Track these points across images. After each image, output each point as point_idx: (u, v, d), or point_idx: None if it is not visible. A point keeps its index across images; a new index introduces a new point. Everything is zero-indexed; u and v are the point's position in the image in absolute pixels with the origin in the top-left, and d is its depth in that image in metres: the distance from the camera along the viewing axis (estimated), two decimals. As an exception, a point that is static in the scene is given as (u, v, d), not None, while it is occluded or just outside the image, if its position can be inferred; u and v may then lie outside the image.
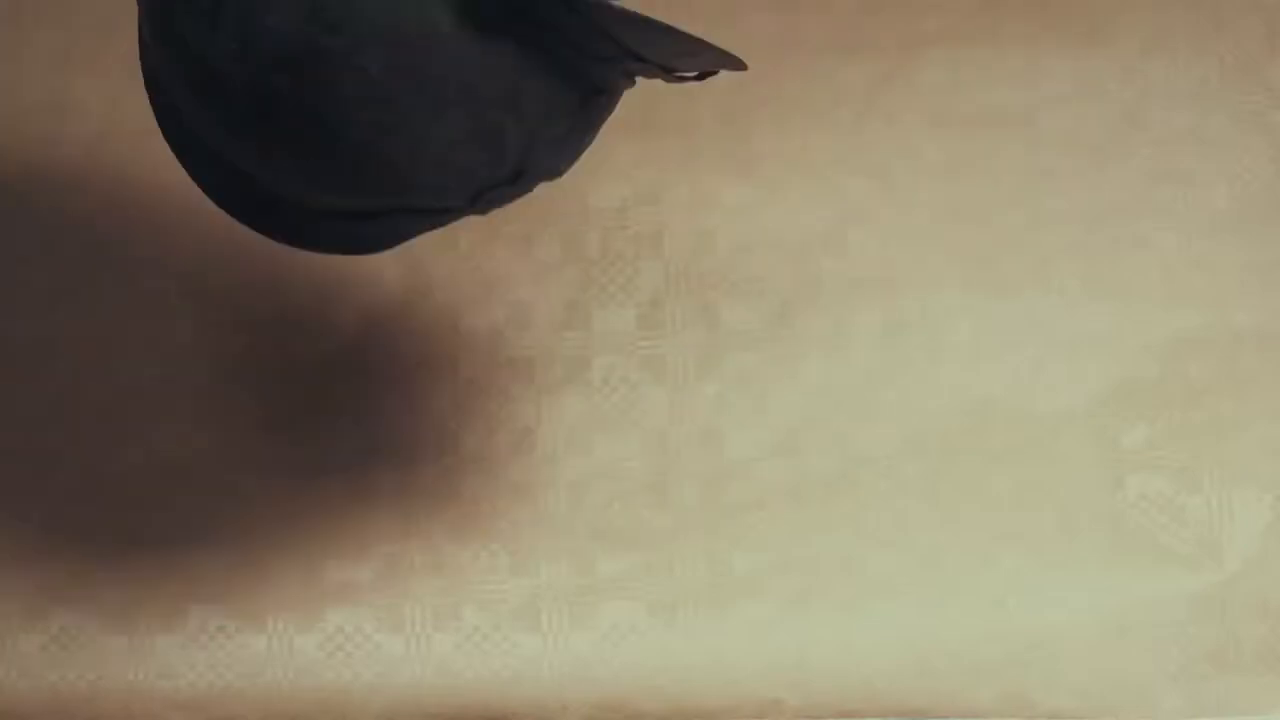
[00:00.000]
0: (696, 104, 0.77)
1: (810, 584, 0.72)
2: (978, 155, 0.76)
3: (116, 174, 0.76)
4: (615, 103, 0.53)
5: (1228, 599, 0.71)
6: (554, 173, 0.52)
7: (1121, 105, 0.77)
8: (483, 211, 0.52)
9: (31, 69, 0.77)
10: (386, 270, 0.75)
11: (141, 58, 0.53)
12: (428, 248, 0.76)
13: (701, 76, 0.52)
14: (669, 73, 0.50)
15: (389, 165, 0.49)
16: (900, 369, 0.74)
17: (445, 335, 0.75)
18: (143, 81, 0.73)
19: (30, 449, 0.74)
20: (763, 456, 0.73)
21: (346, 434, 0.74)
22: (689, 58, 0.48)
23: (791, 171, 0.76)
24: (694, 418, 0.74)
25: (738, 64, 0.49)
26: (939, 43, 0.77)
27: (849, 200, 0.76)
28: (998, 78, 0.77)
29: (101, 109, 0.77)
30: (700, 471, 0.73)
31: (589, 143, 0.53)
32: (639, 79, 0.75)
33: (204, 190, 0.53)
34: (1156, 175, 0.76)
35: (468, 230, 0.76)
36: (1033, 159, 0.76)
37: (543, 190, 0.76)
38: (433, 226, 0.53)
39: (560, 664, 0.71)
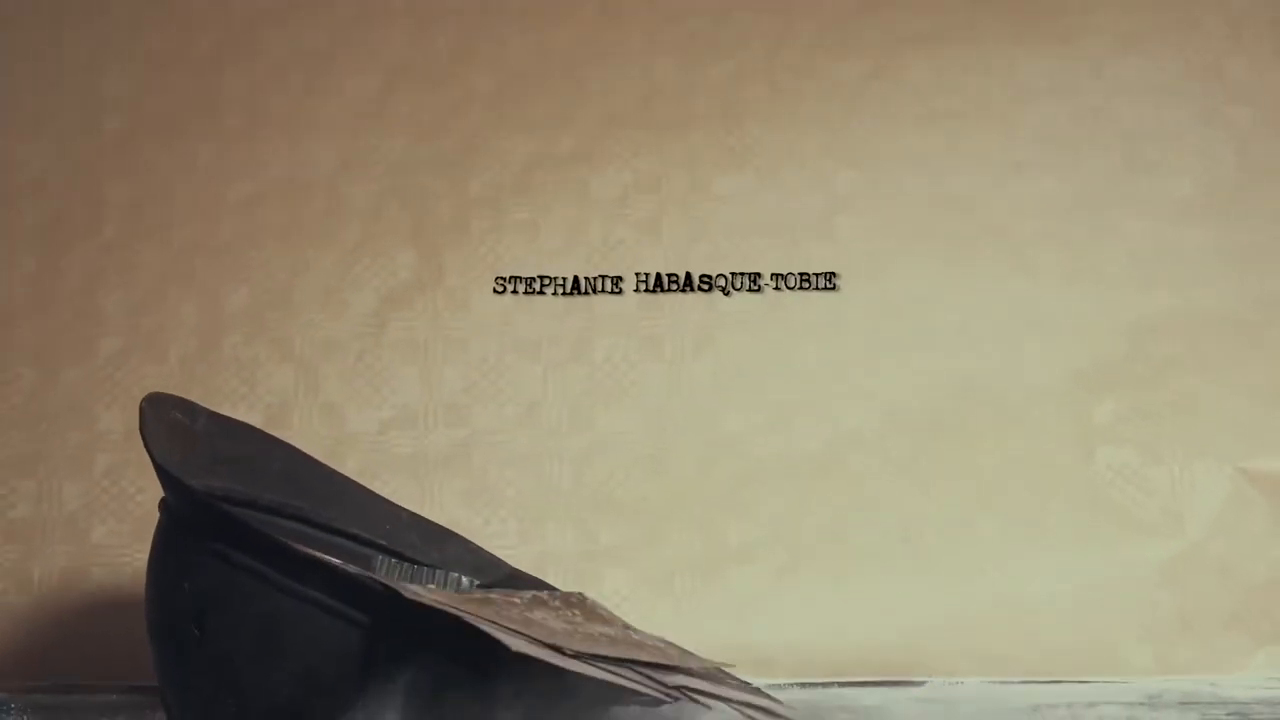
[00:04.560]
0: (694, 98, 0.79)
1: (800, 553, 0.72)
2: (960, 148, 0.78)
3: (148, 162, 0.78)
4: None
5: (1191, 565, 0.72)
6: None
7: (1093, 100, 0.79)
8: None
9: (66, 66, 0.79)
10: (404, 254, 0.77)
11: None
12: (442, 234, 0.77)
13: None
14: None
15: None
16: (885, 350, 0.75)
17: (458, 315, 0.76)
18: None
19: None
20: (756, 433, 0.74)
21: (366, 405, 0.75)
22: None
23: (783, 162, 0.78)
24: (691, 395, 0.75)
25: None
26: (924, 42, 0.79)
27: (838, 190, 0.77)
28: (979, 75, 0.79)
29: (131, 103, 0.79)
30: (696, 446, 0.74)
31: None
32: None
33: None
34: (1126, 166, 0.78)
35: (479, 218, 0.77)
36: (1011, 151, 0.78)
37: (547, 180, 0.78)
38: None
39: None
